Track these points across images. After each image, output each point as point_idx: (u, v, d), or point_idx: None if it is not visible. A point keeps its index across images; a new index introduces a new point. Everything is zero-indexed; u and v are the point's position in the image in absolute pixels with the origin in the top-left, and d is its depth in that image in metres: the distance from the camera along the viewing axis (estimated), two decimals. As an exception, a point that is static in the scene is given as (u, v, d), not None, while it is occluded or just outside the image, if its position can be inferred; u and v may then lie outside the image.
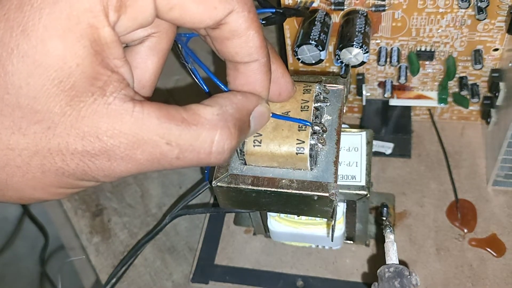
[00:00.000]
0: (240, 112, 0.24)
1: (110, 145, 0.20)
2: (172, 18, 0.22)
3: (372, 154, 0.35)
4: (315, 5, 0.39)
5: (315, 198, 0.29)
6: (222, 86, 0.27)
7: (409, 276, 0.32)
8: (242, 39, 0.23)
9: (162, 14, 0.21)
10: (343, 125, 0.32)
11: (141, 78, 0.24)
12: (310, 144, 0.29)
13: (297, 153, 0.29)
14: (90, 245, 0.45)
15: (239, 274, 0.40)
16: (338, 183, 0.30)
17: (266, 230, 0.40)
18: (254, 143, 0.30)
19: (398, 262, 0.33)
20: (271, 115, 0.28)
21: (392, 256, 0.33)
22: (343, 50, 0.36)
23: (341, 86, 0.33)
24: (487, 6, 0.36)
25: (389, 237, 0.34)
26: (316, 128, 0.30)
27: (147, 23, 0.21)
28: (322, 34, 0.37)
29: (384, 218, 0.38)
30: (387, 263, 0.33)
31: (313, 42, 0.36)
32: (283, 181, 0.30)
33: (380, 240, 0.40)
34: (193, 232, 0.44)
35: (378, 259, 0.39)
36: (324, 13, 0.38)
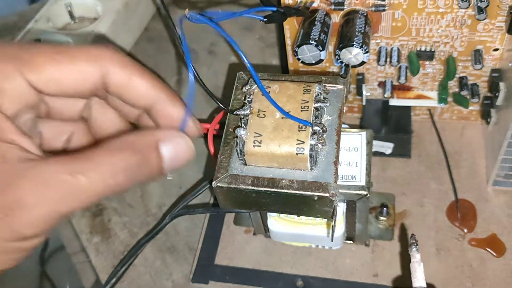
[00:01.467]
0: (132, 151, 0.24)
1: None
2: (52, 92, 0.24)
3: (372, 154, 0.35)
4: (315, 5, 0.39)
5: (315, 198, 0.29)
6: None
7: None
8: (131, 90, 0.26)
9: (42, 90, 0.24)
10: (343, 125, 0.32)
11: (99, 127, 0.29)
12: (310, 145, 0.29)
13: (297, 153, 0.29)
14: (90, 245, 0.44)
15: (239, 274, 0.40)
16: (338, 183, 0.30)
17: (266, 230, 0.40)
18: (254, 143, 0.30)
19: (425, 285, 0.31)
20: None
21: (419, 277, 0.31)
22: (343, 50, 0.36)
23: (341, 86, 0.33)
24: (487, 6, 0.36)
25: (416, 256, 0.32)
26: (316, 128, 0.30)
27: (33, 101, 0.24)
28: (322, 34, 0.37)
29: (410, 237, 0.34)
30: (414, 285, 0.31)
31: (313, 42, 0.36)
32: (283, 181, 0.30)
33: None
34: (193, 232, 0.44)
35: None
36: (324, 13, 0.38)
